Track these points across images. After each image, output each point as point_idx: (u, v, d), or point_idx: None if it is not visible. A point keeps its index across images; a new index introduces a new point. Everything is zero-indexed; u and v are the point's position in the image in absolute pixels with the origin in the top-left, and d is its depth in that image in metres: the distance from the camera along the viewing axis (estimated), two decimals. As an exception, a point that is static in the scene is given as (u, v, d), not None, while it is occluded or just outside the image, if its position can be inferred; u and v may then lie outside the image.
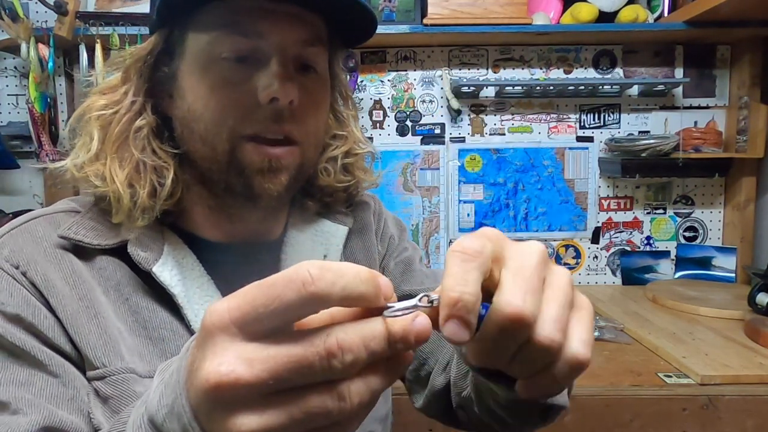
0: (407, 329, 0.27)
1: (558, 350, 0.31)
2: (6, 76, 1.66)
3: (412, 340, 0.27)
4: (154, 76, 0.59)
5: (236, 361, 0.26)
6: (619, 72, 1.69)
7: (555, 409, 0.48)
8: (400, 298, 0.29)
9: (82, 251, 0.55)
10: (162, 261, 0.56)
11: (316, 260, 0.27)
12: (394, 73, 1.69)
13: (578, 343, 0.31)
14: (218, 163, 0.56)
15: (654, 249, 1.73)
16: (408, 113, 1.70)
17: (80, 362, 0.52)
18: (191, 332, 0.55)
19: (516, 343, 0.31)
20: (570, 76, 1.68)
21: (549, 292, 0.32)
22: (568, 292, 0.32)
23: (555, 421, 0.50)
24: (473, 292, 0.29)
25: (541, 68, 1.69)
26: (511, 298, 0.30)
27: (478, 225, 1.73)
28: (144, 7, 1.50)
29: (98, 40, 1.44)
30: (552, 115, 1.70)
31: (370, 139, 1.70)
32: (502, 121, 1.70)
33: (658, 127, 1.69)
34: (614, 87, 1.65)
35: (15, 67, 1.66)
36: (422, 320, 0.28)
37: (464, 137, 1.71)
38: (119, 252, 0.56)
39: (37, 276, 0.51)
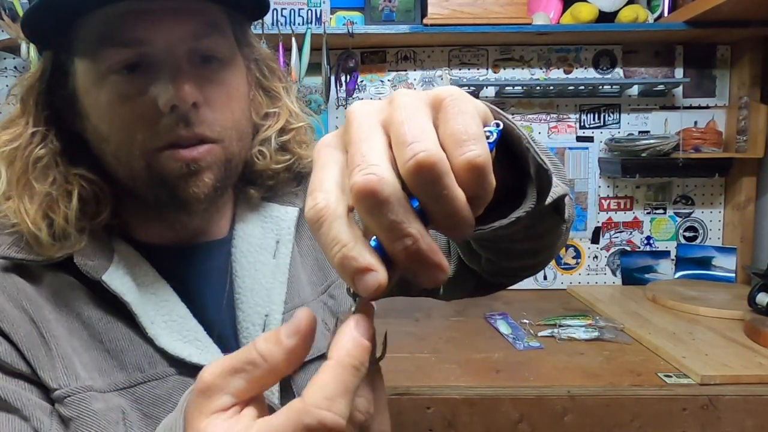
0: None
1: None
2: (6, 76, 1.66)
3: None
4: (53, 101, 0.55)
5: None
6: (619, 72, 1.68)
7: (558, 200, 0.43)
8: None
9: (26, 270, 0.53)
10: (112, 269, 0.54)
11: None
12: (394, 73, 1.69)
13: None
14: (140, 179, 0.53)
15: (654, 249, 1.73)
16: (408, 113, 1.70)
17: (40, 384, 0.50)
18: (147, 340, 0.53)
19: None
20: (570, 76, 1.68)
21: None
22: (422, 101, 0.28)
23: (567, 210, 0.48)
24: (430, 243, 0.26)
25: (541, 68, 1.69)
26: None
27: (478, 225, 1.72)
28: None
29: (98, 40, 1.44)
30: (552, 115, 1.70)
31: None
32: (502, 121, 1.70)
33: (658, 127, 1.68)
34: (614, 87, 1.65)
35: (15, 67, 1.66)
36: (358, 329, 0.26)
37: (464, 137, 1.70)
38: (65, 265, 0.53)
39: None
